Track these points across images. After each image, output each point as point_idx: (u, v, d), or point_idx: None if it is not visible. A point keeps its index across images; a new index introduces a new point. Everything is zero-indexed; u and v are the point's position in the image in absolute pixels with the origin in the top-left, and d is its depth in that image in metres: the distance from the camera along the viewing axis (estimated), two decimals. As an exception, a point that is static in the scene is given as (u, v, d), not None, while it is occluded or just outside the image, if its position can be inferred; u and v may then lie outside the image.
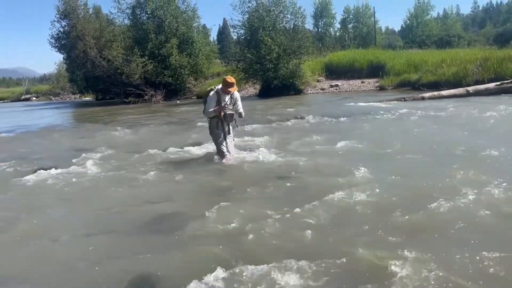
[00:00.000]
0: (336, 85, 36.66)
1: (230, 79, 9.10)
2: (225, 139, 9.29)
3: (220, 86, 9.17)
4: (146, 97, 39.60)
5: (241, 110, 9.31)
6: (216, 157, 9.31)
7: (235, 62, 36.34)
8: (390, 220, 5.19)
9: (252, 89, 38.66)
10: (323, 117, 16.08)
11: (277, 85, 33.97)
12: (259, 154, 9.45)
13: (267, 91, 34.40)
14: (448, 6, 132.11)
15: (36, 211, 6.41)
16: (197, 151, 10.56)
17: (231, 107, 9.23)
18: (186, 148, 10.94)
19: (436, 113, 15.41)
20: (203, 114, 9.36)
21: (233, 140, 9.59)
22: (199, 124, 15.97)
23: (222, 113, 9.13)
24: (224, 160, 9.08)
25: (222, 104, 9.06)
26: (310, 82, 36.95)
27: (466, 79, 26.75)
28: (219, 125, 9.26)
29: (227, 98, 9.16)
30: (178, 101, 37.84)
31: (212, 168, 8.68)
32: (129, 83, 39.48)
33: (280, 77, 33.84)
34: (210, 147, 10.33)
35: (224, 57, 44.32)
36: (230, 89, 9.06)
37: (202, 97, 9.57)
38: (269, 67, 33.53)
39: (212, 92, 9.15)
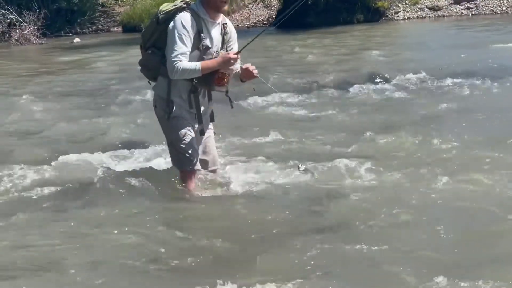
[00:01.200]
0: (470, 0, 19.51)
1: None
2: (198, 136, 4.59)
3: (199, 5, 4.39)
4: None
5: (238, 65, 4.49)
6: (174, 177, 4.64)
7: None
8: None
9: (260, 9, 21.91)
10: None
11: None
12: (300, 168, 5.01)
13: (297, 15, 15.50)
14: None
15: None
16: (127, 163, 5.55)
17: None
18: (100, 157, 5.70)
19: None
20: (141, 68, 4.65)
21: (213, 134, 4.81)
22: (134, 97, 8.65)
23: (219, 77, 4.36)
24: (190, 186, 4.56)
25: (213, 48, 4.41)
26: None
27: None
28: (191, 100, 4.47)
29: (217, 34, 4.48)
30: (76, 40, 20.16)
31: (161, 209, 4.42)
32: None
33: None
34: (160, 154, 5.58)
35: None
36: (224, 7, 4.43)
37: (144, 27, 5.31)
38: None
39: (183, 15, 4.32)
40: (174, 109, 4.41)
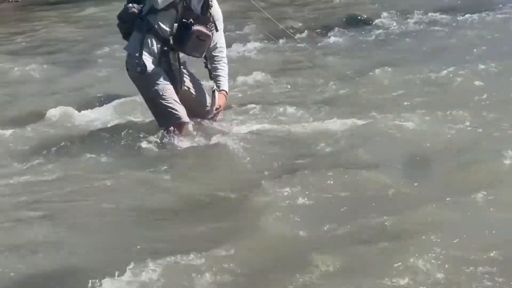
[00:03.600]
0: None
1: None
2: (176, 88, 4.51)
3: None
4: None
5: (220, 45, 4.65)
6: (161, 133, 4.54)
7: None
8: None
9: None
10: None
11: None
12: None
13: None
14: None
15: None
16: (109, 118, 5.43)
17: (207, 26, 4.47)
18: (81, 113, 5.60)
19: None
20: (118, 23, 4.62)
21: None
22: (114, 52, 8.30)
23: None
24: (181, 136, 4.50)
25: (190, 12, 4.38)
26: None
27: None
28: (162, 59, 4.42)
29: (199, 1, 4.44)
30: None
31: (151, 163, 4.30)
32: None
33: None
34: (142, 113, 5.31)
35: None
36: None
37: None
38: None
39: None
40: (147, 67, 4.34)
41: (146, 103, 4.67)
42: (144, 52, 4.39)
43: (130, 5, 4.51)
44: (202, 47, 4.44)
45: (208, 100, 4.73)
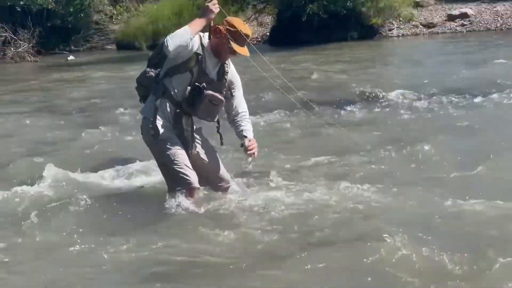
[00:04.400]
0: (464, 17, 19.28)
1: (246, 27, 4.41)
2: (188, 153, 4.47)
3: (207, 35, 4.41)
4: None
5: (242, 110, 4.62)
6: (169, 197, 4.47)
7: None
8: None
9: (254, 27, 21.09)
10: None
11: (314, 16, 17.62)
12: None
13: (291, 32, 17.91)
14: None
15: None
16: (119, 180, 5.43)
17: (221, 92, 4.47)
18: (93, 174, 5.60)
19: None
20: (137, 86, 4.65)
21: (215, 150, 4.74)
22: (126, 115, 8.70)
23: (215, 29, 4.32)
24: (191, 202, 4.42)
25: (205, 77, 4.36)
26: (397, 7, 19.40)
27: None
28: (177, 119, 4.42)
29: (215, 67, 4.46)
30: (70, 57, 19.98)
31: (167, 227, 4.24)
32: None
33: None
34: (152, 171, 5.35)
35: None
36: (237, 47, 4.31)
37: (138, 49, 5.08)
38: None
39: (190, 35, 4.21)
40: (160, 132, 4.36)
41: (159, 167, 4.65)
42: (158, 116, 4.40)
43: (148, 69, 4.57)
44: (215, 112, 4.43)
45: (222, 168, 4.71)
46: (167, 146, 4.39)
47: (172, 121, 4.42)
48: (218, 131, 4.71)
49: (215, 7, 4.25)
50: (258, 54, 4.61)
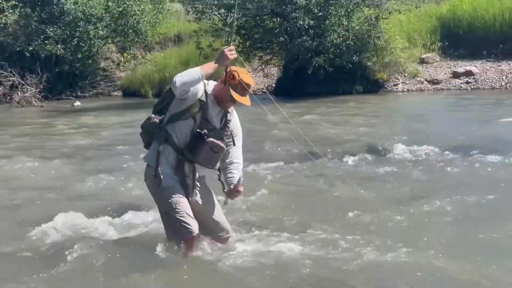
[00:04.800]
0: (469, 74, 19.00)
1: (248, 77, 4.35)
2: (188, 200, 4.42)
3: (211, 83, 4.47)
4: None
5: (237, 161, 4.59)
6: (169, 246, 4.45)
7: (219, 13, 18.88)
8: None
9: (260, 78, 21.00)
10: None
11: (320, 69, 17.54)
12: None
13: (297, 84, 18.02)
14: None
15: None
16: (124, 228, 5.38)
17: (223, 139, 4.46)
18: (95, 221, 5.56)
19: None
20: (141, 132, 4.62)
21: (223, 203, 4.66)
22: (131, 161, 8.53)
23: (230, 75, 4.28)
24: (191, 253, 4.39)
25: (208, 124, 4.36)
26: (403, 63, 19.41)
27: None
28: (179, 165, 4.40)
29: (217, 114, 4.46)
30: (76, 103, 20.04)
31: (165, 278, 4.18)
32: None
33: (330, 50, 17.63)
34: (155, 222, 5.27)
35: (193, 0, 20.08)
36: (236, 96, 4.31)
37: (144, 96, 5.09)
38: (302, 27, 17.20)
39: (200, 75, 4.21)
40: (162, 179, 4.31)
41: (160, 214, 4.57)
42: (160, 163, 4.36)
43: (153, 115, 4.54)
44: (215, 159, 4.38)
45: (222, 218, 4.65)
46: (169, 193, 4.35)
47: (174, 167, 4.38)
48: (219, 179, 4.64)
49: (231, 53, 4.23)
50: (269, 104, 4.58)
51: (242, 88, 4.28)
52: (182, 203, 4.33)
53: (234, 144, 4.54)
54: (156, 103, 4.60)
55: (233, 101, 4.35)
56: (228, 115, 4.47)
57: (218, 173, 4.62)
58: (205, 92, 4.34)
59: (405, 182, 7.08)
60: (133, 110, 16.31)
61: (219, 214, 4.64)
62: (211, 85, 4.43)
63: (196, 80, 4.19)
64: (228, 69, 4.28)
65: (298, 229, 5.24)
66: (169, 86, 4.34)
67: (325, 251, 4.63)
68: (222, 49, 4.26)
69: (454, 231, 5.12)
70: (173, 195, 4.33)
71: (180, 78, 4.14)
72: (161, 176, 4.32)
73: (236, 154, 4.58)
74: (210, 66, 4.26)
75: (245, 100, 4.33)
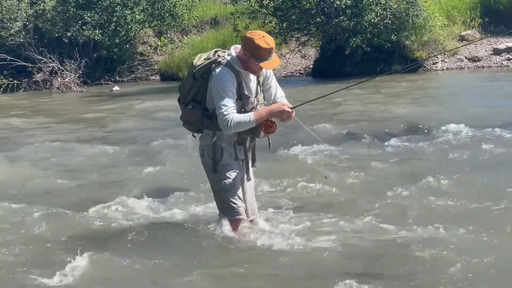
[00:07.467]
0: (511, 51, 18.40)
1: (266, 40, 4.21)
2: (243, 183, 4.56)
3: (234, 52, 4.34)
4: (38, 77, 21.31)
5: (279, 94, 4.53)
6: (218, 225, 4.53)
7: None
8: None
9: (297, 59, 21.25)
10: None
11: (357, 49, 17.42)
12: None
13: (334, 65, 17.81)
14: None
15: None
16: (170, 213, 5.37)
17: (262, 99, 4.48)
18: (139, 203, 5.66)
19: None
20: (184, 124, 4.58)
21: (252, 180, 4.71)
22: (172, 145, 8.56)
23: (268, 124, 4.27)
24: (235, 234, 4.46)
25: (252, 97, 4.37)
26: (441, 41, 18.88)
27: None
28: (238, 149, 4.45)
29: (254, 82, 4.43)
30: (115, 88, 20.41)
31: (211, 255, 4.31)
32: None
33: (367, 30, 17.46)
34: (201, 204, 5.50)
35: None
36: (265, 65, 4.27)
37: (182, 80, 5.36)
38: (339, 7, 17.07)
39: (222, 71, 4.23)
40: (222, 157, 4.35)
41: (212, 191, 4.61)
42: (219, 144, 4.39)
43: (190, 106, 4.45)
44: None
45: (254, 200, 4.70)
46: (225, 174, 4.38)
47: (234, 150, 4.41)
48: (270, 147, 4.66)
49: (289, 114, 4.27)
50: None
51: (266, 53, 4.19)
52: (234, 185, 4.39)
53: (269, 87, 4.51)
54: (184, 91, 4.48)
55: (260, 71, 4.35)
56: (262, 73, 4.43)
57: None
58: (238, 71, 4.26)
59: (445, 160, 6.94)
60: (172, 94, 16.35)
61: (252, 195, 4.70)
62: (233, 53, 4.29)
63: (248, 127, 4.25)
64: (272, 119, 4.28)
65: (346, 210, 5.21)
66: (190, 74, 4.39)
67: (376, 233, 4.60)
68: (284, 106, 4.29)
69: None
70: (228, 176, 4.38)
71: (234, 127, 4.17)
72: (222, 154, 4.37)
73: (277, 91, 4.54)
74: (263, 116, 4.24)
75: (273, 63, 4.29)
